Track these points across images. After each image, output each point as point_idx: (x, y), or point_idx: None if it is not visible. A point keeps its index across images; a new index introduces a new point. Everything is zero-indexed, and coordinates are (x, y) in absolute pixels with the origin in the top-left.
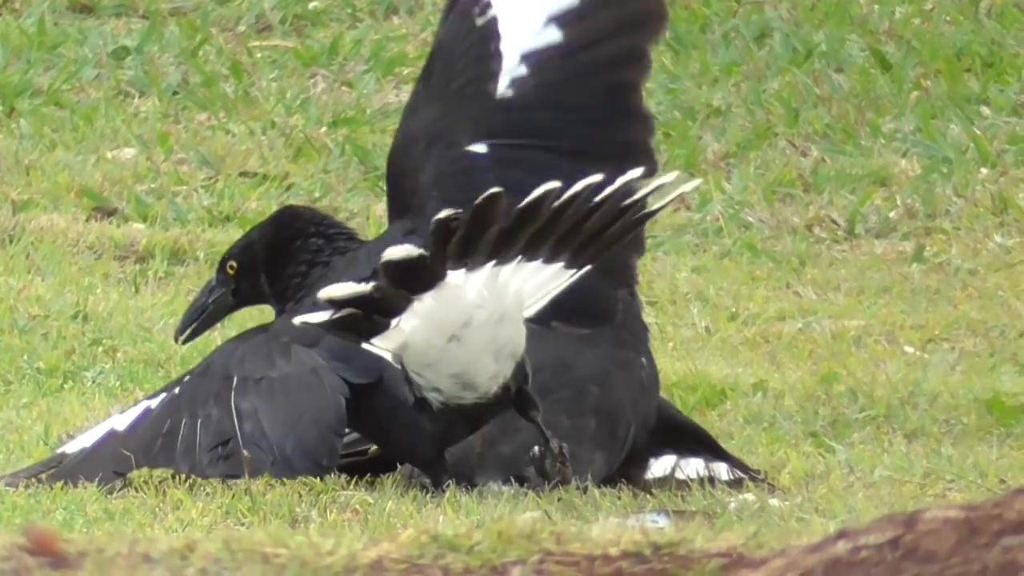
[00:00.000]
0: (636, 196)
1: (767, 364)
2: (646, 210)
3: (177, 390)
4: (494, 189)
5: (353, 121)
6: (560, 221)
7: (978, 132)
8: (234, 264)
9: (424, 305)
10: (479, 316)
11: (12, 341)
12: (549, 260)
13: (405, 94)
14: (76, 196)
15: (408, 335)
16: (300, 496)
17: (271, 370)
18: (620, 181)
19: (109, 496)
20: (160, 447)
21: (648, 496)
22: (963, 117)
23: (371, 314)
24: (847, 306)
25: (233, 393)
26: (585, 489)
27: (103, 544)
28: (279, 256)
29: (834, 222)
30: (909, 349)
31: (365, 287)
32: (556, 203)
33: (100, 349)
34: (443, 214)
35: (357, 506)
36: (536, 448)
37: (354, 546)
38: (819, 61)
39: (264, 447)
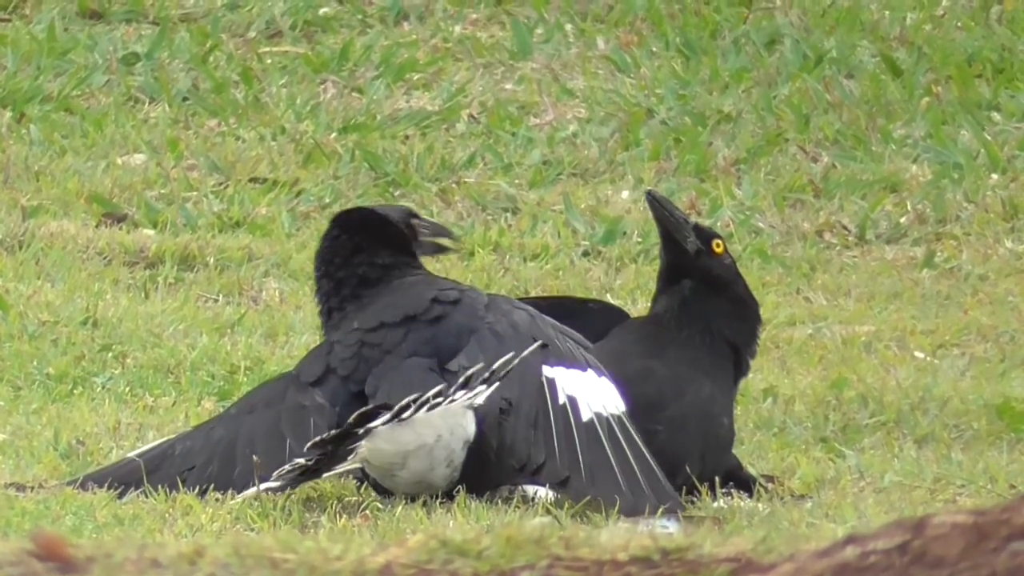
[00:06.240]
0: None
1: (777, 370)
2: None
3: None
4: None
5: (363, 127)
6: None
7: (989, 138)
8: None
9: (370, 446)
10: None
11: (22, 347)
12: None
13: (415, 100)
14: (86, 202)
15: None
16: (310, 501)
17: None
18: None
19: (119, 501)
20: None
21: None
22: (974, 123)
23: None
24: (857, 312)
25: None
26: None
27: (112, 549)
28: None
29: (845, 228)
30: (919, 355)
31: (306, 461)
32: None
33: (110, 355)
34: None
35: (367, 511)
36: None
37: (363, 551)
38: (830, 67)
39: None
